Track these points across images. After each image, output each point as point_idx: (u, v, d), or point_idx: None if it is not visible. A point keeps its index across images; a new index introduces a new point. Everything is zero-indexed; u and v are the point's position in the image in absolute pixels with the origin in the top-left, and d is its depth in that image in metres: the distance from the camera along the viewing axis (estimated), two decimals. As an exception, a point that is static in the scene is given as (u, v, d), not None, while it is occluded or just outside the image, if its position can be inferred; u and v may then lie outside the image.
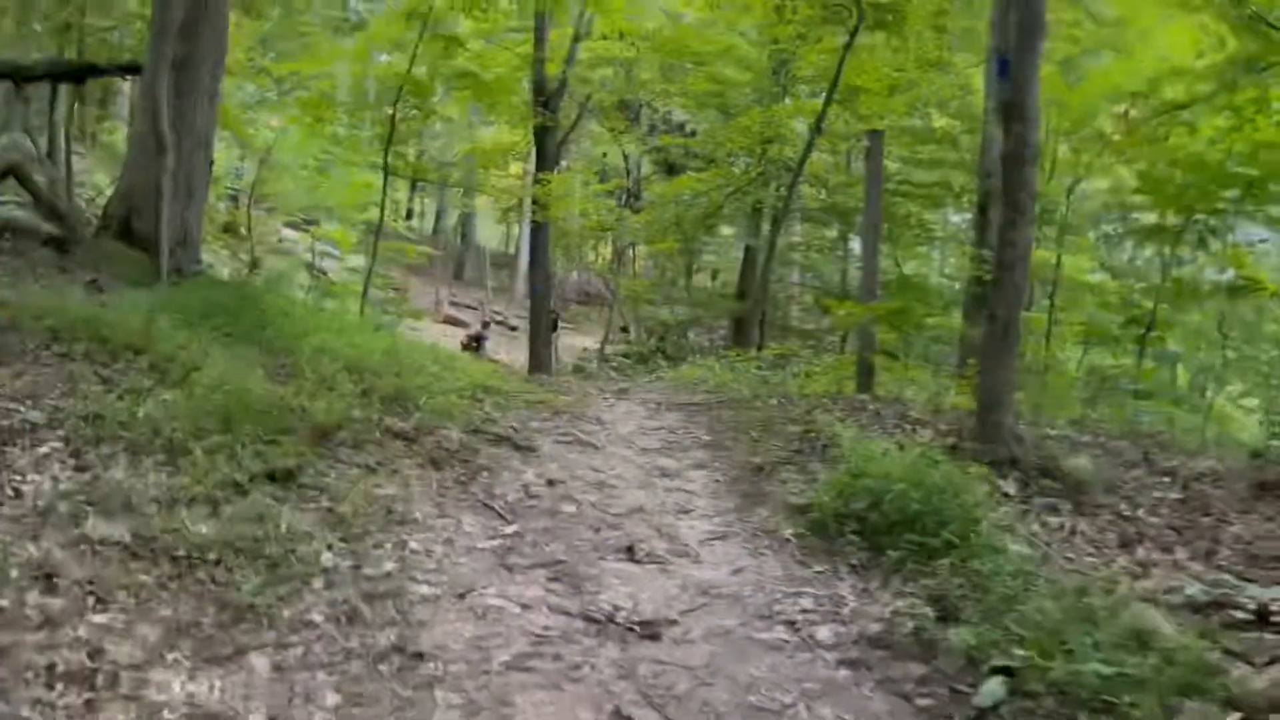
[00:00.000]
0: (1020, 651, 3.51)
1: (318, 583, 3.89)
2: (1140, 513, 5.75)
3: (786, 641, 3.90)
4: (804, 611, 4.17)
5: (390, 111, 15.00)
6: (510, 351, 26.41)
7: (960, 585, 4.17)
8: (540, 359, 19.22)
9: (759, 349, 13.97)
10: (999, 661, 3.52)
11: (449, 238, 39.25)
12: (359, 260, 26.37)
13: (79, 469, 4.34)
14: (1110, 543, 5.30)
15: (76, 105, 15.71)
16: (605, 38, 17.89)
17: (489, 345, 24.68)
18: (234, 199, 25.91)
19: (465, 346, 24.03)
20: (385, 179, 15.31)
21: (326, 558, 4.07)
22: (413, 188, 41.17)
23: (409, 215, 44.63)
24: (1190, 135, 13.52)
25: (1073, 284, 18.50)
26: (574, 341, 31.31)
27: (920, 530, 4.66)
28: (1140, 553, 5.13)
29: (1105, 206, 18.43)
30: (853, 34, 12.06)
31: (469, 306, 33.28)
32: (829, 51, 13.59)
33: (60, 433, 4.59)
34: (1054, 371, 13.68)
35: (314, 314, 9.45)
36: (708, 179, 14.97)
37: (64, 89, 14.11)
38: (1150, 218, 15.37)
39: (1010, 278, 6.65)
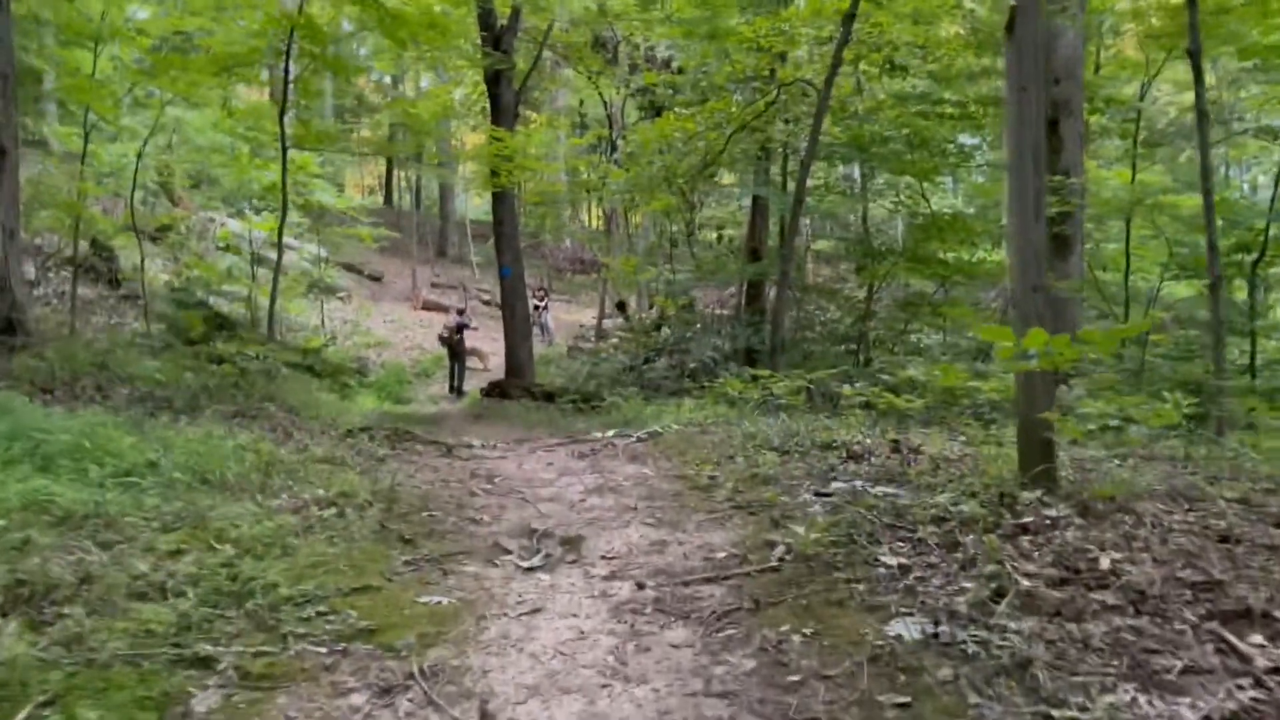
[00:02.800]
0: None
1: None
2: None
3: None
4: None
5: (282, 67, 11.03)
6: (499, 338, 22.60)
7: None
8: (518, 358, 15.33)
9: (780, 350, 10.06)
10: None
11: (425, 214, 35.07)
12: (321, 248, 22.63)
13: None
14: None
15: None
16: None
17: (471, 334, 20.78)
18: (167, 194, 21.99)
19: (444, 340, 20.15)
20: (284, 152, 11.37)
21: None
22: (389, 164, 36.97)
23: (388, 195, 40.53)
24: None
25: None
26: (570, 317, 27.39)
27: None
28: None
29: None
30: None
31: (452, 288, 29.33)
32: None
33: None
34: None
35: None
36: (704, 115, 10.87)
37: None
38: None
39: None
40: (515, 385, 14.89)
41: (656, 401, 10.70)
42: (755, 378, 7.23)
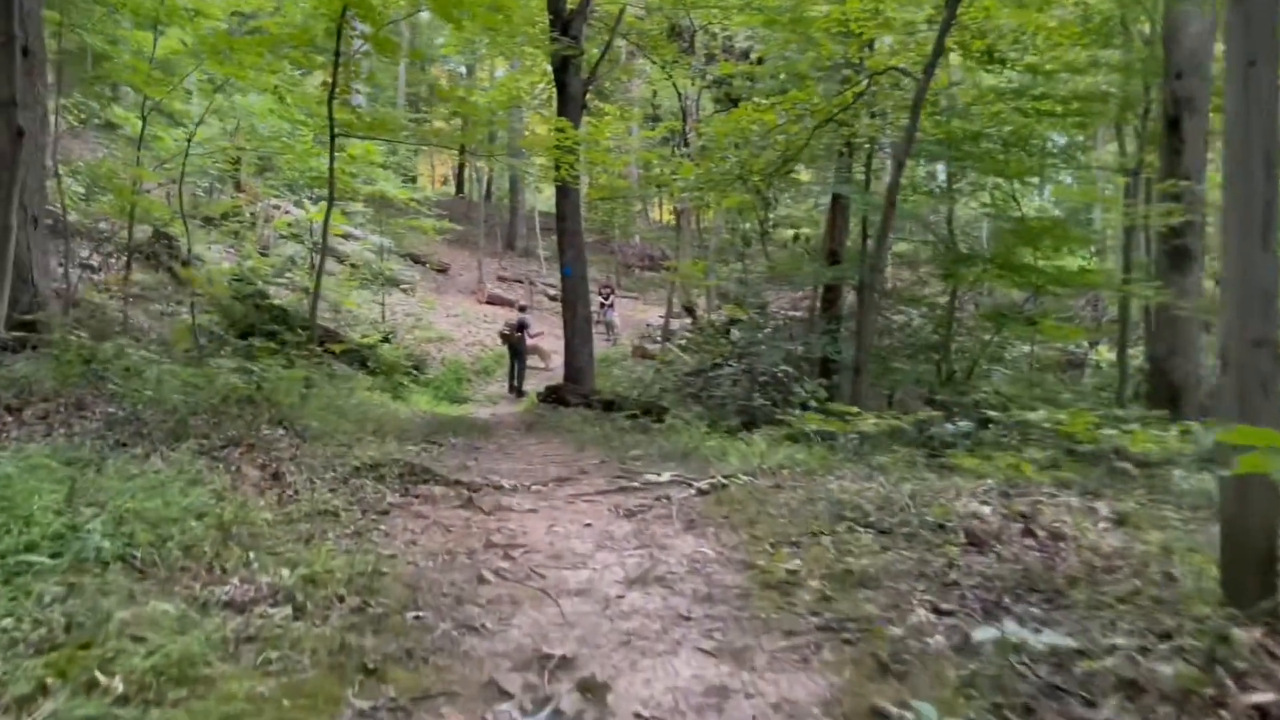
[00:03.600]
0: None
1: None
2: None
3: None
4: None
5: (335, 48, 10.09)
6: (562, 335, 21.57)
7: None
8: (578, 363, 14.27)
9: (864, 371, 8.72)
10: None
11: (496, 205, 34.25)
12: (384, 239, 21.87)
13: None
14: None
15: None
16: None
17: (534, 331, 19.80)
18: (234, 181, 21.48)
19: (505, 338, 19.22)
20: (332, 140, 10.46)
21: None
22: (461, 154, 36.18)
23: (459, 186, 39.88)
24: None
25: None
26: (636, 315, 26.29)
27: None
28: None
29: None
30: None
31: (518, 281, 28.47)
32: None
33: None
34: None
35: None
36: (785, 106, 9.55)
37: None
38: None
39: None
40: (574, 392, 13.87)
41: (722, 426, 9.54)
42: (841, 415, 6.02)
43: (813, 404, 10.56)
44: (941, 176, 21.57)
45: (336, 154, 15.62)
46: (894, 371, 15.33)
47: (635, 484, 5.57)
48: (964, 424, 6.66)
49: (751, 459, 5.79)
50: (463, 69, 37.99)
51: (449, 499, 4.97)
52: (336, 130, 10.69)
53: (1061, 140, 17.66)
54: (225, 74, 11.03)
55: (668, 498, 5.00)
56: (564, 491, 5.46)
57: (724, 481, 5.12)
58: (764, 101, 9.49)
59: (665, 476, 5.64)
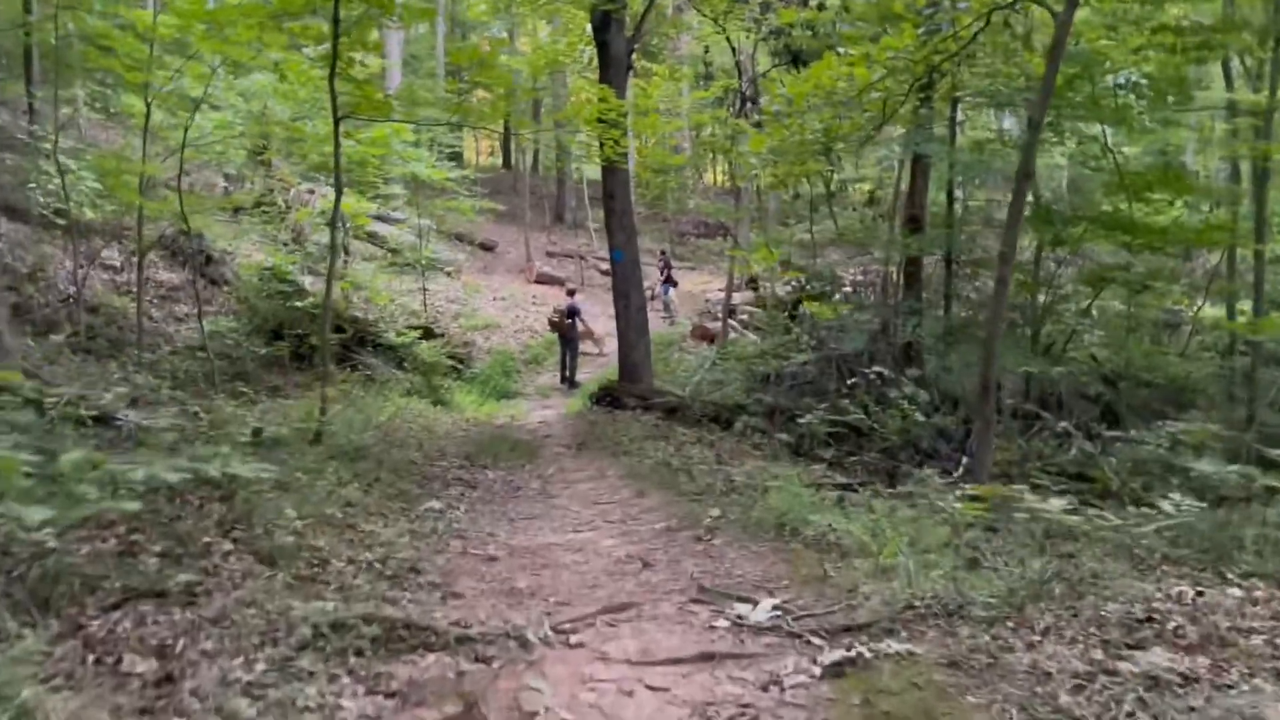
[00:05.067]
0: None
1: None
2: None
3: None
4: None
5: (334, 14, 8.24)
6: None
7: None
8: (633, 359, 12.36)
9: (994, 423, 6.58)
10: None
11: (543, 176, 32.24)
12: (422, 221, 20.00)
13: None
14: None
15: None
16: None
17: (586, 315, 17.92)
18: (262, 164, 19.82)
19: (554, 325, 17.40)
20: (336, 122, 8.63)
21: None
22: (505, 126, 33.91)
23: (506, 159, 37.89)
24: None
25: None
26: (692, 288, 24.22)
27: None
28: None
29: None
30: None
31: (569, 256, 26.57)
32: None
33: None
34: None
35: None
36: (878, 54, 7.32)
37: None
38: None
39: None
40: (630, 392, 12.04)
41: (813, 472, 7.59)
42: (1002, 498, 4.07)
43: (919, 416, 8.58)
44: (1008, 125, 19.04)
45: (359, 137, 14.04)
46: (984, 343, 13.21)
47: (719, 632, 3.69)
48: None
49: (893, 585, 3.85)
50: (505, 33, 35.79)
51: (440, 691, 3.16)
52: (342, 112, 8.86)
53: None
54: (213, 51, 9.25)
55: (778, 682, 3.13)
56: (615, 646, 3.61)
57: (865, 652, 3.21)
58: (851, 51, 7.39)
59: (764, 614, 3.75)
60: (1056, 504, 4.04)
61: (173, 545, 4.08)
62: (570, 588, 4.48)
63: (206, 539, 4.22)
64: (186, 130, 10.49)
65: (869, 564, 4.14)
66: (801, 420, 8.58)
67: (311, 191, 19.78)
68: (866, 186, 21.17)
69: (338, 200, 9.12)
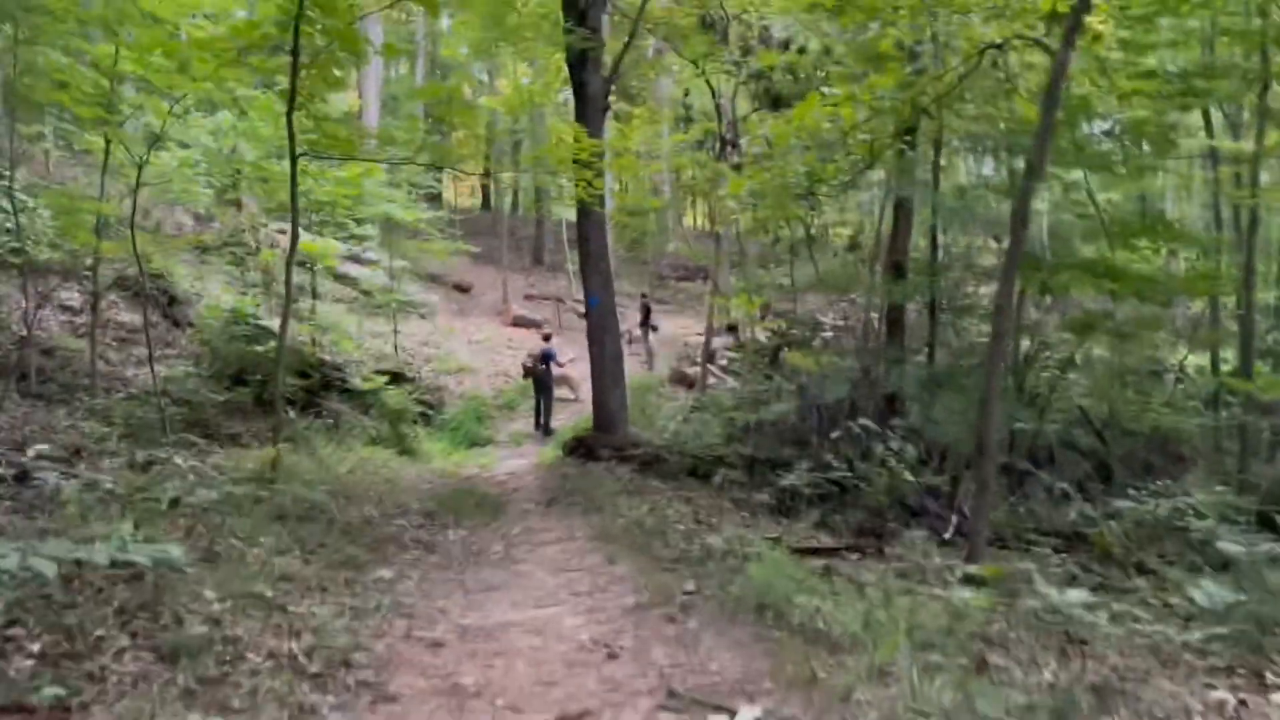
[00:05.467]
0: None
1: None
2: None
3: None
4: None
5: (293, 46, 7.79)
6: (593, 359, 19.03)
7: None
8: (609, 408, 11.83)
9: (989, 488, 6.06)
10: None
11: (522, 218, 31.89)
12: (395, 262, 19.46)
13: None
14: None
15: None
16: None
17: (561, 360, 17.38)
18: (233, 204, 19.30)
19: (528, 371, 16.86)
20: (293, 160, 8.14)
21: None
22: (487, 172, 33.53)
23: (485, 199, 37.56)
24: None
25: None
26: (673, 331, 23.76)
27: None
28: None
29: None
30: None
31: (547, 299, 26.10)
32: None
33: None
34: None
35: None
36: (862, 94, 6.96)
37: None
38: None
39: None
40: (605, 443, 11.49)
41: (796, 531, 7.08)
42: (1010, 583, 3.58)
43: (908, 476, 8.09)
44: (989, 170, 18.86)
45: (330, 176, 13.54)
46: (970, 392, 12.80)
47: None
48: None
49: (892, 692, 3.30)
50: (485, 75, 35.60)
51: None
52: (302, 149, 8.38)
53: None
54: (170, 86, 8.77)
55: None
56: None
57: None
58: (837, 91, 7.00)
59: (746, 727, 3.21)
60: (1075, 596, 3.53)
61: (56, 642, 3.49)
62: (523, 685, 3.90)
63: (100, 632, 3.63)
64: (141, 167, 9.97)
65: (863, 663, 3.60)
66: (784, 482, 8.05)
67: (282, 231, 19.25)
68: (848, 231, 20.89)
69: (294, 239, 8.61)
